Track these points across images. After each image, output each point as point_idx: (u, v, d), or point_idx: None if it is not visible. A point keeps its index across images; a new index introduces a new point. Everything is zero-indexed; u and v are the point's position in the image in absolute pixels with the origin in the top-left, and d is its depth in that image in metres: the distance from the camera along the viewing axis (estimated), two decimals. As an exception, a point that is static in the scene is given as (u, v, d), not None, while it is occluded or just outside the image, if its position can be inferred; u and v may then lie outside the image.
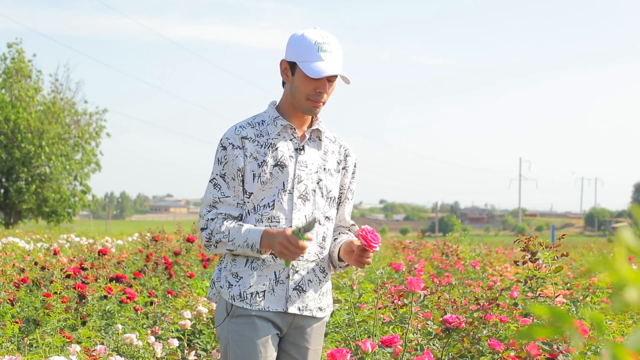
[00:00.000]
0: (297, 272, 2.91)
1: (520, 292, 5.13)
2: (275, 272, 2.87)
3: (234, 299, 2.89)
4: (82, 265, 6.07)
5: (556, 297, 4.03)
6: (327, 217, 2.96)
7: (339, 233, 3.03)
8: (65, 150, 31.04)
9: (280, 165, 2.84)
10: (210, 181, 2.88)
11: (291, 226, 2.83)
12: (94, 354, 3.74)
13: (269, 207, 2.85)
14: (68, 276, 5.50)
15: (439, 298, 4.76)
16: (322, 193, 2.93)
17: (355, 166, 3.07)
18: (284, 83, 2.90)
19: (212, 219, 2.83)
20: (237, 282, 2.89)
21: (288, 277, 2.88)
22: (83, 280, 5.54)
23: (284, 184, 2.85)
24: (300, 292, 2.92)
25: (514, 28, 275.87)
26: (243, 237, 2.77)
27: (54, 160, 30.44)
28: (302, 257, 2.86)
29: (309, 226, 2.66)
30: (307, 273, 2.93)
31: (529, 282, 4.08)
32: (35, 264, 6.42)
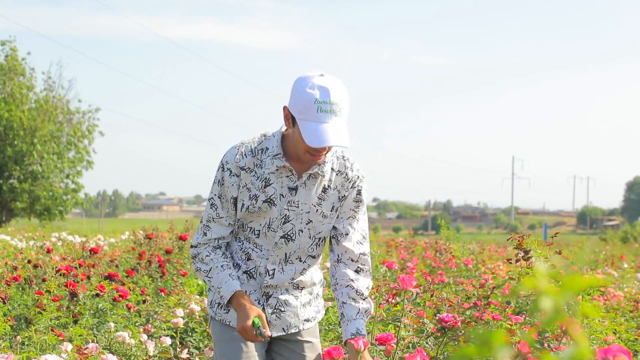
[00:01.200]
0: (270, 296, 2.91)
1: (511, 290, 5.14)
2: (245, 291, 2.86)
3: (210, 304, 2.96)
4: (74, 264, 6.05)
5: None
6: (310, 256, 2.95)
7: (348, 296, 2.87)
8: (58, 148, 30.94)
9: (269, 202, 2.80)
10: (208, 200, 2.88)
11: (267, 270, 2.88)
12: (85, 352, 3.72)
13: (255, 234, 2.87)
14: (60, 274, 5.49)
15: (431, 296, 4.76)
16: (309, 234, 2.88)
17: (359, 194, 2.89)
18: None
19: (204, 244, 2.87)
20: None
21: (258, 300, 2.89)
22: (75, 278, 5.53)
23: (270, 221, 2.83)
24: (279, 314, 2.92)
25: (514, 28, 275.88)
26: (218, 283, 2.81)
27: (46, 158, 30.34)
28: (275, 285, 2.89)
29: (265, 331, 2.71)
30: (282, 294, 2.93)
31: (521, 280, 4.09)
32: (28, 262, 6.40)
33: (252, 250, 2.87)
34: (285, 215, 2.82)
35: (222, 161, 2.83)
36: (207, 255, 2.84)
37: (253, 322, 2.68)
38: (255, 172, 2.78)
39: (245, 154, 2.79)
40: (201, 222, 2.91)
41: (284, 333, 2.94)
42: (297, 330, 2.95)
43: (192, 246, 2.90)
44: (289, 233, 2.85)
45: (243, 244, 2.89)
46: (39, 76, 31.98)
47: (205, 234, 2.87)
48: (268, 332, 2.71)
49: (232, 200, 2.82)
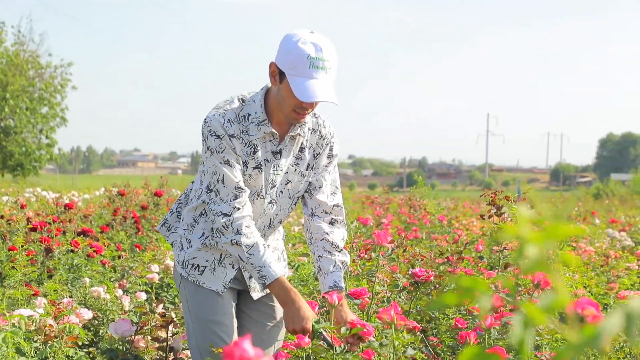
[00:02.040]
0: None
1: (485, 245, 5.19)
2: (221, 254, 2.86)
3: (178, 263, 2.92)
4: (48, 219, 6.02)
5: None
6: (287, 215, 2.97)
7: (324, 249, 2.87)
8: (31, 104, 30.57)
9: (258, 168, 2.78)
10: (222, 165, 2.70)
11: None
12: (60, 306, 3.73)
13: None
14: (33, 229, 5.46)
15: (404, 251, 4.80)
16: (289, 194, 2.89)
17: (332, 150, 2.90)
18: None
19: (239, 214, 2.70)
20: (188, 247, 2.91)
21: (232, 264, 2.88)
22: (49, 234, 5.50)
23: (259, 188, 2.81)
24: None
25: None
26: (260, 262, 2.69)
27: (18, 113, 30.00)
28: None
29: (323, 339, 2.69)
30: None
31: (494, 235, 4.13)
32: (1, 217, 6.35)
33: None
34: (272, 180, 2.82)
35: (210, 129, 2.70)
36: (247, 227, 2.70)
37: (313, 325, 2.68)
38: (243, 139, 2.73)
39: (231, 121, 2.71)
40: (217, 193, 2.72)
41: (264, 294, 2.97)
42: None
43: (223, 214, 2.70)
44: (274, 198, 2.86)
45: None
46: (9, 30, 31.28)
47: (237, 196, 2.71)
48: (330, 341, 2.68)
49: (238, 159, 2.73)
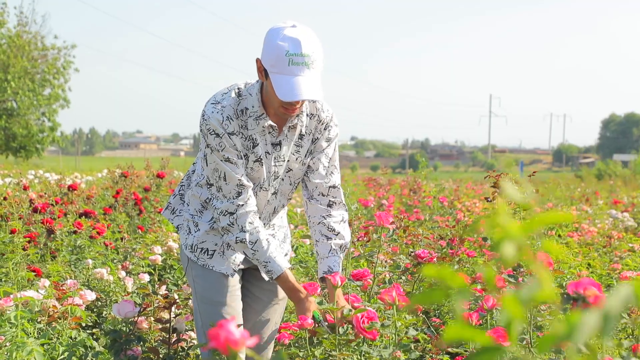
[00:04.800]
0: None
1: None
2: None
3: (186, 247, 2.92)
4: (51, 200, 6.03)
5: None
6: (288, 199, 2.98)
7: (320, 234, 2.89)
8: (33, 85, 30.51)
9: (259, 161, 2.77)
10: (223, 163, 2.70)
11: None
12: (63, 288, 3.74)
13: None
14: (36, 211, 5.47)
15: (404, 232, 4.81)
16: (290, 181, 2.89)
17: (330, 133, 2.88)
18: None
19: (242, 210, 2.72)
20: (195, 231, 2.90)
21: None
22: (52, 215, 5.51)
23: (261, 180, 2.81)
24: None
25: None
26: (265, 258, 2.75)
27: (20, 95, 29.95)
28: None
29: (325, 325, 2.73)
30: None
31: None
32: (4, 199, 6.36)
33: None
34: (275, 171, 2.82)
35: (209, 127, 2.68)
36: (250, 223, 2.72)
37: (313, 316, 2.73)
38: (242, 134, 2.72)
39: (230, 118, 2.69)
40: (219, 189, 2.74)
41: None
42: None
43: (228, 213, 2.72)
44: (278, 188, 2.87)
45: None
46: (12, 11, 31.20)
47: (239, 196, 2.73)
48: (327, 322, 2.76)
49: (240, 154, 2.73)
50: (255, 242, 2.73)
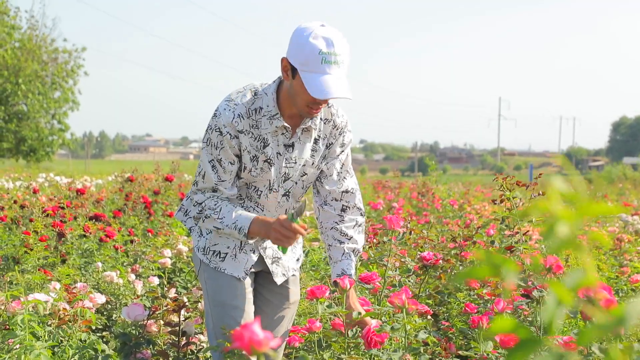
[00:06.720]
0: (267, 247, 2.93)
1: (497, 230, 5.18)
2: (242, 241, 2.87)
3: (198, 249, 2.93)
4: (60, 204, 6.05)
5: (525, 233, 4.07)
6: (298, 202, 2.96)
7: (333, 238, 2.91)
8: (43, 88, 30.63)
9: (269, 161, 2.77)
10: (209, 162, 2.74)
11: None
12: (74, 291, 3.75)
13: (257, 194, 2.85)
14: (47, 215, 5.49)
15: (410, 234, 4.81)
16: (302, 185, 2.90)
17: (344, 139, 2.89)
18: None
19: (209, 198, 2.76)
20: (207, 233, 2.92)
21: (253, 250, 2.89)
22: (62, 219, 5.53)
23: (271, 181, 2.81)
24: (278, 262, 2.96)
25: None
26: (232, 219, 2.72)
27: (31, 98, 30.06)
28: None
29: (300, 210, 2.64)
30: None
31: (506, 220, 4.12)
32: (15, 202, 6.39)
33: (254, 209, 2.86)
34: (285, 173, 2.81)
35: (216, 124, 2.71)
36: (214, 203, 2.75)
37: (287, 217, 2.64)
38: (253, 134, 2.73)
39: (242, 116, 2.70)
40: (199, 184, 2.80)
41: (285, 278, 2.98)
42: (293, 273, 3.01)
43: (197, 203, 2.78)
44: (289, 190, 2.86)
45: (244, 202, 2.88)
46: (23, 15, 31.33)
47: (207, 191, 2.79)
48: (303, 226, 2.64)
49: (236, 159, 2.75)
50: (220, 211, 2.73)
